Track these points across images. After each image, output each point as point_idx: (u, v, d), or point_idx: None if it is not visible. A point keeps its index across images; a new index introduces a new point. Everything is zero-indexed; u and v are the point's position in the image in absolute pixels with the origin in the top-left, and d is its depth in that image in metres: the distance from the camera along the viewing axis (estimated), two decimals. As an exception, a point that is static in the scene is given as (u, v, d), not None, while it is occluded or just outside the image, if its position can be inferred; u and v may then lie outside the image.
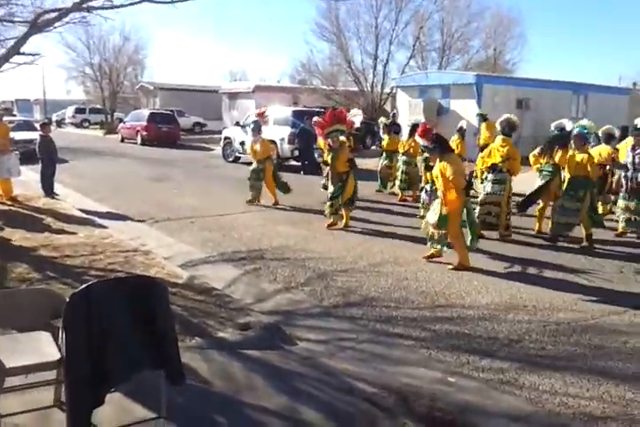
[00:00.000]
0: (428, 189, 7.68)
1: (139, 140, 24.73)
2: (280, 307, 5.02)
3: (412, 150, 10.60)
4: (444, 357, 4.05)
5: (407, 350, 4.20)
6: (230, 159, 17.60)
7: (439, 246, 6.33)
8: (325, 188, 9.55)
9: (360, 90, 26.42)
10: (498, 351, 4.15)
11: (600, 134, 9.02)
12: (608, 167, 8.86)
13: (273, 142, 15.91)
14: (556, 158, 7.73)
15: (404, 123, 15.95)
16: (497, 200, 7.59)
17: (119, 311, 2.77)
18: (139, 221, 8.57)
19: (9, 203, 9.52)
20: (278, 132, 15.98)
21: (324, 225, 8.28)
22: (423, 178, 8.54)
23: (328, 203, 8.33)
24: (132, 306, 2.82)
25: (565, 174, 7.53)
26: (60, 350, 2.82)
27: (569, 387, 3.61)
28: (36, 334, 3.11)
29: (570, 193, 7.32)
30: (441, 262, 6.43)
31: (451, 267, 6.23)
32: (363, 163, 13.44)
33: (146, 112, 25.95)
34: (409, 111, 19.56)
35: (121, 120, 30.72)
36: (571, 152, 7.40)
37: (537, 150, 7.90)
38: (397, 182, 11.04)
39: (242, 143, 11.54)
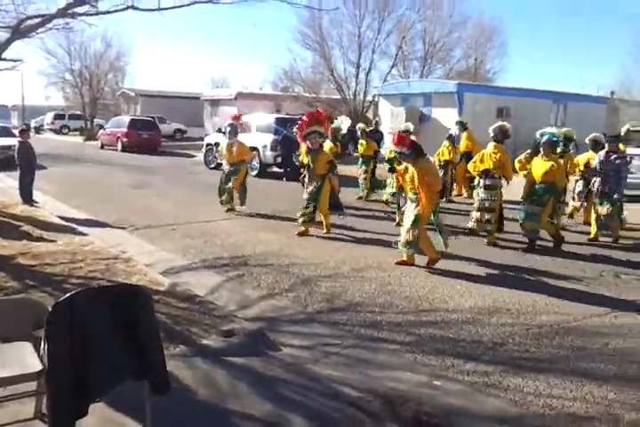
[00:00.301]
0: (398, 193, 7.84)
1: (119, 146, 24.54)
2: (264, 313, 4.98)
3: None
4: (428, 360, 4.06)
5: (392, 354, 4.19)
6: (212, 166, 17.51)
7: (411, 251, 6.45)
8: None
9: (342, 98, 26.54)
10: (482, 355, 4.17)
11: (587, 142, 9.18)
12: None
13: (255, 149, 15.97)
14: None
15: (387, 131, 16.08)
16: (491, 206, 7.75)
17: (103, 321, 2.73)
18: (119, 228, 8.47)
19: (-14, 210, 9.36)
20: (261, 139, 15.98)
21: (325, 229, 8.32)
22: (394, 183, 8.45)
23: (300, 211, 8.24)
24: (116, 315, 2.78)
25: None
26: (41, 360, 2.77)
27: (553, 388, 3.63)
28: (16, 344, 3.04)
29: (533, 198, 7.43)
30: (423, 267, 6.45)
31: (396, 261, 6.47)
32: (345, 169, 13.48)
33: (126, 118, 25.77)
34: (391, 119, 19.73)
35: (101, 127, 30.47)
36: (539, 159, 7.47)
37: (523, 156, 8.00)
38: (388, 189, 11.13)
39: (216, 144, 11.39)
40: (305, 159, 8.28)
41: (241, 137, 10.39)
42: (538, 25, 65.86)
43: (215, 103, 28.91)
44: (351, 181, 12.23)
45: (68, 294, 2.58)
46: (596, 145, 9.00)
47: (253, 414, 3.24)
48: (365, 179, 11.63)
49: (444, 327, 4.69)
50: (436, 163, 12.16)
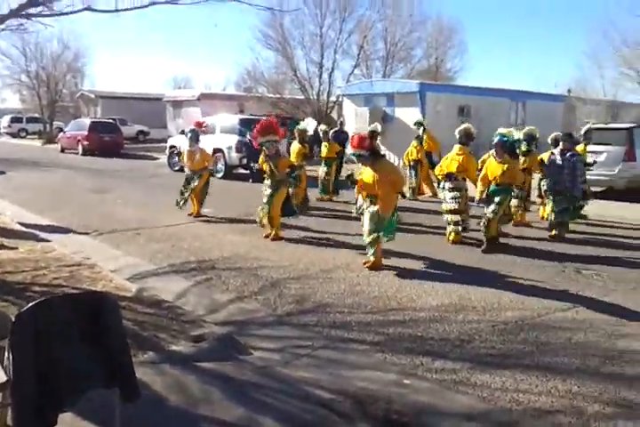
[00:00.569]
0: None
1: (80, 149, 24.03)
2: (233, 317, 4.97)
3: None
4: (398, 359, 4.11)
5: (362, 354, 4.23)
6: (176, 168, 17.27)
7: (373, 252, 6.44)
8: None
9: (306, 98, 26.55)
10: (450, 352, 4.24)
11: (549, 141, 9.40)
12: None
13: (219, 150, 15.87)
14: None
15: (351, 131, 16.15)
16: (456, 208, 7.86)
17: (68, 329, 2.68)
18: (83, 233, 8.31)
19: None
20: (225, 141, 15.90)
21: (273, 234, 8.17)
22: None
23: (260, 214, 8.09)
24: (83, 323, 2.74)
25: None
26: (5, 371, 2.71)
27: (519, 384, 3.72)
28: (-22, 356, 2.97)
29: (490, 199, 7.48)
30: (391, 267, 6.53)
31: (367, 265, 6.44)
32: (313, 170, 13.49)
33: (87, 121, 25.28)
34: (355, 119, 19.84)
35: (60, 129, 29.83)
36: (493, 160, 7.56)
37: (486, 156, 8.14)
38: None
39: (178, 154, 11.27)
40: (265, 166, 8.19)
41: (205, 139, 10.29)
42: (496, 24, 67.18)
43: (178, 104, 28.59)
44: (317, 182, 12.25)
45: (32, 303, 2.53)
46: (558, 143, 9.24)
47: (225, 419, 3.23)
48: (327, 180, 11.69)
49: (412, 326, 4.76)
50: (405, 163, 12.34)
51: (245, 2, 7.41)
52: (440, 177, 8.19)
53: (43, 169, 17.97)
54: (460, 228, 7.90)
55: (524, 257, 7.18)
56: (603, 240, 8.28)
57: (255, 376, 3.81)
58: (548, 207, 8.53)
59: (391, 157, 17.49)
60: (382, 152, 6.83)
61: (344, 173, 7.70)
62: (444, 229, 8.10)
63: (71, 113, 36.90)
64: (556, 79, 63.00)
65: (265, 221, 8.04)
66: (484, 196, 7.55)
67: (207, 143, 13.28)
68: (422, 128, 12.31)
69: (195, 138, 9.90)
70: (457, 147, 8.12)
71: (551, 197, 8.40)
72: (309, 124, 10.36)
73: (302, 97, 26.89)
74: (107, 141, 23.86)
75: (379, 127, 10.17)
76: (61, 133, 26.87)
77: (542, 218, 9.43)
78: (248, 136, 12.05)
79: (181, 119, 27.10)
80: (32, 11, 7.12)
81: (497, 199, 7.41)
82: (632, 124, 13.22)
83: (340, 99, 23.95)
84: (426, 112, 18.69)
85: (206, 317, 4.93)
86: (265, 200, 8.01)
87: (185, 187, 9.76)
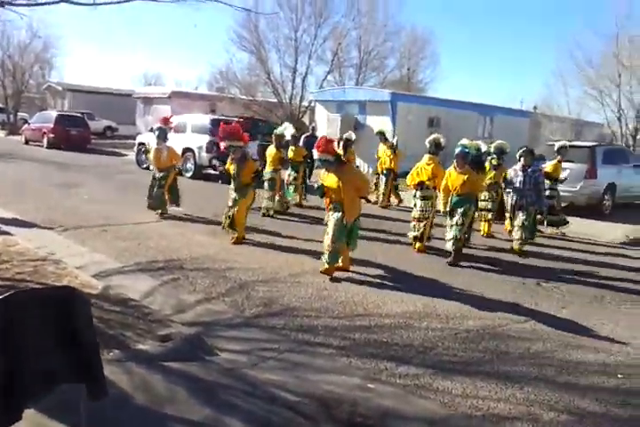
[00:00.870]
0: None
1: (45, 142, 23.48)
2: (201, 318, 4.97)
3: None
4: (363, 364, 4.19)
5: (328, 358, 4.30)
6: (144, 166, 17.07)
7: (335, 260, 6.39)
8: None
9: (279, 101, 26.60)
10: (413, 358, 4.34)
11: (517, 156, 9.61)
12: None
13: (190, 150, 15.76)
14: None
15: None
16: (425, 216, 8.03)
17: (36, 324, 2.67)
18: (47, 228, 8.15)
19: None
20: (196, 141, 15.79)
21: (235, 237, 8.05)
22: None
23: (226, 218, 8.01)
24: (51, 318, 2.74)
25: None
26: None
27: (479, 390, 3.84)
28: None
29: (453, 210, 7.61)
30: (357, 273, 6.62)
31: (322, 270, 6.32)
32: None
33: (53, 113, 24.72)
34: (327, 125, 19.95)
35: (25, 121, 29.04)
36: (453, 171, 7.66)
37: (451, 168, 8.30)
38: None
39: (145, 151, 11.12)
40: (231, 168, 8.14)
41: (176, 138, 10.16)
42: (469, 38, 68.62)
43: (148, 101, 28.22)
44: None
45: (-2, 297, 2.51)
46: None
47: (191, 419, 3.25)
48: (295, 184, 11.73)
49: (377, 332, 4.85)
50: (379, 171, 12.50)
51: (223, 2, 7.44)
52: (412, 186, 8.34)
53: (6, 160, 17.50)
54: (426, 235, 8.06)
55: (487, 269, 7.37)
56: (563, 255, 8.55)
57: (222, 377, 3.83)
58: (513, 222, 8.71)
59: (362, 165, 17.69)
60: (357, 160, 6.88)
61: (315, 179, 7.79)
62: (422, 239, 8.19)
63: (37, 105, 35.98)
64: (523, 96, 64.62)
65: (227, 224, 7.94)
66: (447, 208, 7.69)
67: (177, 142, 13.19)
68: (384, 138, 12.54)
69: (162, 136, 9.74)
70: (427, 156, 8.31)
71: (515, 213, 8.59)
72: (287, 129, 10.39)
73: (275, 100, 26.92)
74: (73, 135, 23.39)
75: (353, 136, 10.27)
76: (26, 125, 26.20)
77: (508, 231, 9.68)
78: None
79: (151, 116, 26.75)
80: (6, -1, 7.00)
81: (460, 210, 7.52)
82: (594, 143, 13.73)
83: (313, 104, 24.06)
84: (396, 122, 18.96)
85: (173, 317, 4.93)
86: (230, 204, 7.96)
87: (155, 188, 9.62)
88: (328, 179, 6.45)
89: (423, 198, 8.09)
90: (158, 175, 9.68)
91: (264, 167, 10.45)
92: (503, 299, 6.03)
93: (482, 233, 9.67)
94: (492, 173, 9.60)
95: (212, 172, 15.86)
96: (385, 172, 12.23)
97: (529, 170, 8.44)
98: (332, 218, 6.42)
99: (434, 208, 8.11)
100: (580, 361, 4.45)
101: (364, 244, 7.72)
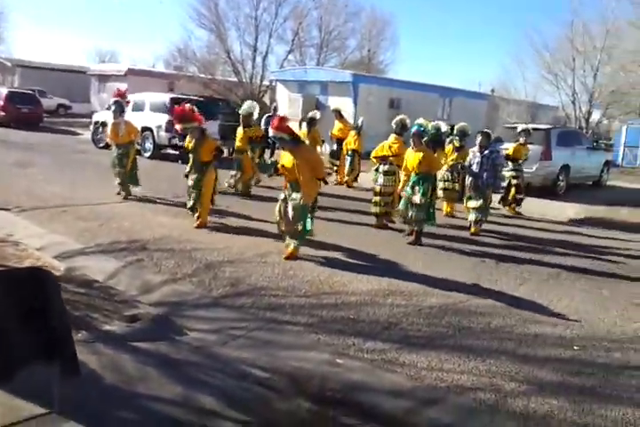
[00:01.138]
0: None
1: (-6, 121, 22.60)
2: (167, 298, 4.95)
3: (313, 142, 10.77)
4: (331, 340, 4.27)
5: (296, 335, 4.36)
6: (101, 145, 16.67)
7: (297, 242, 6.37)
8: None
9: (239, 81, 26.26)
10: (380, 334, 4.45)
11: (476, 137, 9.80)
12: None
13: (148, 129, 15.43)
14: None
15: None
16: (389, 191, 8.31)
17: (6, 304, 2.65)
18: (3, 209, 7.91)
19: None
20: (155, 120, 15.48)
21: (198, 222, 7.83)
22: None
23: (189, 201, 7.84)
24: (22, 298, 2.73)
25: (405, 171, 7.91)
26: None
27: (443, 363, 3.98)
28: None
29: (415, 189, 7.58)
30: (325, 253, 6.69)
31: (286, 255, 6.32)
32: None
33: (3, 90, 23.73)
34: (288, 105, 19.84)
35: (-28, 98, 27.82)
36: (410, 150, 7.69)
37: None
38: None
39: (103, 124, 10.75)
40: (190, 145, 7.91)
41: (133, 116, 9.91)
42: (427, 21, 68.80)
43: (104, 79, 27.44)
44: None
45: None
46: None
47: (163, 396, 3.27)
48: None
49: (344, 309, 4.93)
50: (344, 152, 12.55)
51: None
52: (375, 160, 8.49)
53: (-47, 139, 16.81)
54: (386, 209, 8.28)
55: (448, 248, 7.55)
56: (520, 234, 8.84)
57: (192, 356, 3.85)
58: (469, 203, 8.86)
59: (324, 145, 17.70)
60: (321, 139, 6.89)
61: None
62: (391, 213, 8.35)
63: (-16, 81, 34.51)
64: (481, 79, 65.43)
65: (191, 206, 7.79)
66: (407, 187, 7.70)
67: (136, 121, 12.88)
68: (340, 115, 12.64)
69: (119, 110, 9.40)
70: (392, 136, 8.63)
71: (472, 194, 8.74)
72: (254, 108, 10.24)
73: (235, 79, 26.56)
74: (25, 113, 22.54)
75: (318, 115, 10.29)
76: (-27, 102, 25.10)
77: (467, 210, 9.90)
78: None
79: (106, 94, 26.01)
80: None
81: (420, 189, 7.48)
82: (550, 126, 14.11)
83: (274, 84, 23.84)
84: (358, 103, 19.01)
85: (140, 297, 4.90)
86: (191, 184, 7.72)
87: (117, 167, 9.34)
88: (284, 157, 6.33)
89: (386, 173, 8.31)
90: (118, 152, 9.36)
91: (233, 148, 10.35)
92: (464, 276, 6.20)
93: (444, 213, 9.88)
94: (455, 155, 9.82)
95: (172, 151, 15.63)
96: (350, 153, 12.30)
97: (486, 152, 8.63)
98: (290, 200, 6.28)
99: (396, 183, 8.24)
100: (538, 334, 4.65)
101: (328, 224, 7.80)
